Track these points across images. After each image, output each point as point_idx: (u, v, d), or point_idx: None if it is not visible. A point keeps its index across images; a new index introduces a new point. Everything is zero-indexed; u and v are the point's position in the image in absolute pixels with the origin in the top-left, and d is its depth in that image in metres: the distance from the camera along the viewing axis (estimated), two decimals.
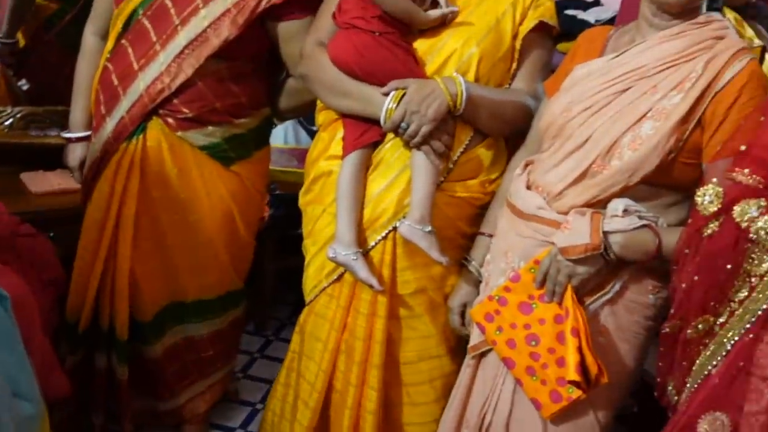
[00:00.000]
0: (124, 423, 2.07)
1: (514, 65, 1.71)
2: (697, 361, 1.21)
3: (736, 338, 1.16)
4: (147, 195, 1.91)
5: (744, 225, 1.13)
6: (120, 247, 1.92)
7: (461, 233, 1.75)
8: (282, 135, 3.42)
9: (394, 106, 1.59)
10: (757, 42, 2.19)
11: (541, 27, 1.70)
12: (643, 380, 1.65)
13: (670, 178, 1.38)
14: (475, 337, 1.60)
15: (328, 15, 1.71)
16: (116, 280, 1.93)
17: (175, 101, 1.86)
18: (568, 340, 1.36)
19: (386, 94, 1.60)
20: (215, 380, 2.18)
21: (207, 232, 1.98)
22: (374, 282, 1.66)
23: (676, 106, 1.35)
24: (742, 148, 1.19)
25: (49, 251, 1.87)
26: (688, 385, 1.24)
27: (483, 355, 1.59)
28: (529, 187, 1.52)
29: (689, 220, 1.26)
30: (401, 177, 1.67)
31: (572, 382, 1.37)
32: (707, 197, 1.20)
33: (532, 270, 1.45)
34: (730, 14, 2.21)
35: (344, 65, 1.65)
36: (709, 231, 1.19)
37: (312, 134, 1.87)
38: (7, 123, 2.45)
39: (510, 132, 1.74)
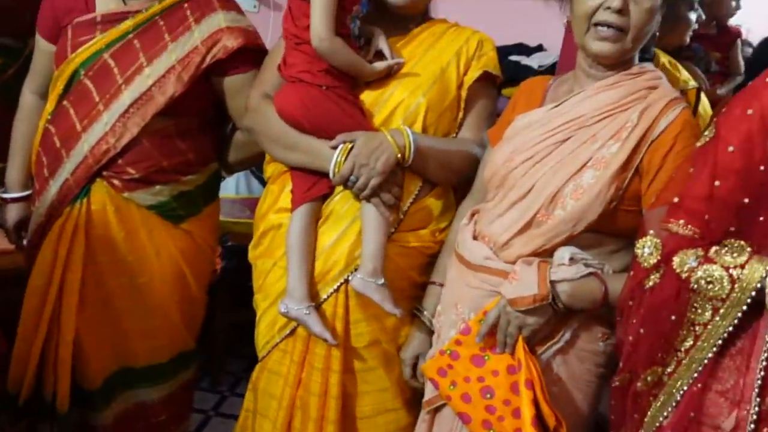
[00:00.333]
0: None
1: (461, 114, 1.73)
2: (649, 413, 1.21)
3: (685, 388, 1.16)
4: (92, 260, 1.85)
5: (684, 275, 1.14)
6: (64, 315, 1.85)
7: (413, 283, 1.74)
8: (234, 185, 3.40)
9: (343, 159, 1.59)
10: (692, 84, 2.27)
11: (485, 77, 1.73)
12: (597, 424, 1.64)
13: (613, 226, 1.40)
14: (429, 392, 1.59)
15: (273, 68, 1.72)
16: (59, 350, 1.85)
17: (121, 162, 1.82)
18: (523, 392, 1.35)
19: (334, 147, 1.60)
20: None
21: (157, 294, 1.92)
22: (328, 336, 1.63)
23: (614, 155, 1.37)
24: (675, 200, 1.21)
25: None
26: None
27: (438, 409, 1.57)
28: (475, 237, 1.52)
29: (631, 273, 1.27)
30: (352, 228, 1.66)
31: None
32: (647, 249, 1.21)
33: (482, 321, 1.45)
34: (665, 57, 2.29)
35: (291, 119, 1.65)
36: (651, 283, 1.20)
37: (264, 183, 1.85)
38: None
39: (458, 181, 1.75)
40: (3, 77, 2.45)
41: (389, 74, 1.68)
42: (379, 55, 1.69)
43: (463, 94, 1.71)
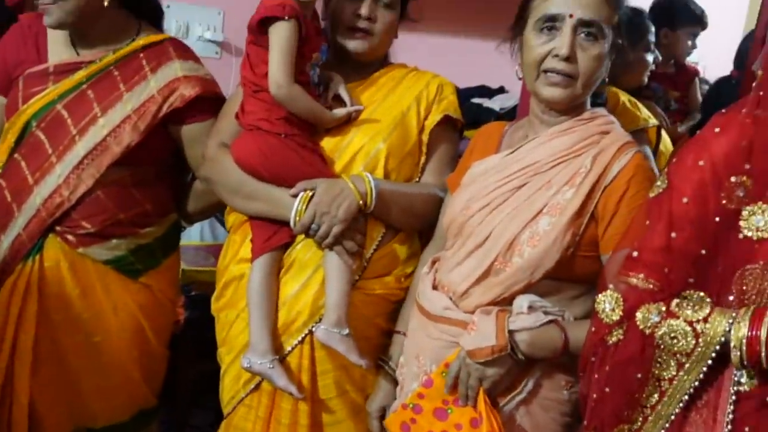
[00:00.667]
0: None
1: (422, 159, 1.73)
2: None
3: None
4: (46, 318, 1.78)
5: (648, 331, 1.13)
6: (17, 376, 1.78)
7: (380, 331, 1.71)
8: (198, 231, 3.33)
9: (304, 207, 1.57)
10: (653, 122, 2.29)
11: (445, 121, 1.73)
12: None
13: (572, 272, 1.39)
14: None
15: (231, 116, 1.70)
16: (13, 412, 1.78)
17: (75, 215, 1.77)
18: None
19: (295, 196, 1.58)
20: None
21: (115, 352, 1.86)
22: (293, 390, 1.59)
23: (569, 201, 1.37)
24: (635, 254, 1.20)
25: None
26: None
27: None
28: (435, 287, 1.51)
29: (592, 328, 1.24)
30: (315, 277, 1.63)
31: None
32: (607, 304, 1.19)
33: (444, 374, 1.42)
34: (624, 96, 2.32)
35: (250, 167, 1.63)
36: (614, 339, 1.18)
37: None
38: None
39: (422, 226, 1.73)
40: None
41: (349, 120, 1.68)
42: (339, 101, 1.69)
43: (425, 138, 1.71)
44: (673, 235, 1.15)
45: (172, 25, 3.02)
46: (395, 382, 1.62)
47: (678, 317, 1.10)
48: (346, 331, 1.57)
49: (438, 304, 1.47)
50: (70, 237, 1.78)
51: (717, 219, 1.12)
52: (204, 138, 1.77)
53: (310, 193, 1.57)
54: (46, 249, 1.78)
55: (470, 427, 1.38)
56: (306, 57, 1.60)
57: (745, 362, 1.06)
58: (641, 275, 1.16)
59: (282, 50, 1.54)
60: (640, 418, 1.15)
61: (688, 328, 1.09)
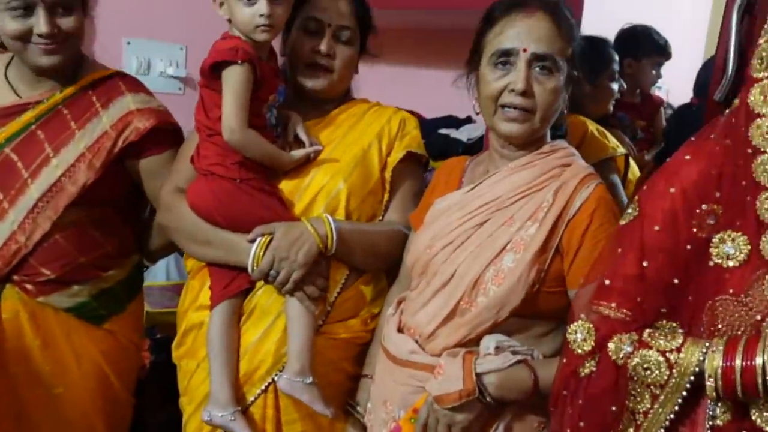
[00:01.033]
0: None
1: (386, 196, 1.68)
2: None
3: None
4: (5, 372, 1.70)
5: (621, 362, 1.10)
6: None
7: (347, 375, 1.65)
8: (163, 270, 3.23)
9: (261, 253, 1.52)
10: (621, 150, 2.29)
11: (409, 157, 1.69)
12: None
13: (538, 309, 1.35)
14: None
15: (186, 159, 1.65)
16: None
17: (33, 262, 1.71)
18: None
19: (252, 241, 1.53)
20: None
21: (78, 403, 1.78)
22: None
23: (532, 237, 1.34)
24: (606, 282, 1.17)
25: None
26: None
27: None
28: (401, 330, 1.46)
29: (563, 360, 1.20)
30: (277, 324, 1.57)
31: None
32: (579, 334, 1.16)
33: (412, 420, 1.37)
34: (592, 126, 2.31)
35: (205, 213, 1.58)
36: (587, 371, 1.15)
37: None
38: None
39: (387, 265, 1.69)
40: None
41: (308, 160, 1.63)
42: (299, 141, 1.65)
43: (387, 176, 1.67)
44: (645, 263, 1.13)
45: (132, 62, 2.98)
46: (364, 429, 1.56)
47: (651, 347, 1.08)
48: (310, 379, 1.51)
49: (404, 348, 1.42)
50: (28, 286, 1.72)
51: (688, 247, 1.11)
52: (163, 170, 1.73)
53: (269, 238, 1.52)
54: (3, 300, 1.71)
55: None
56: (262, 100, 1.56)
57: (721, 393, 1.03)
58: (613, 304, 1.14)
59: (235, 95, 1.49)
60: None
61: (662, 359, 1.06)
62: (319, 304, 1.56)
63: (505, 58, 1.38)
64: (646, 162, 2.65)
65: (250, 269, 1.53)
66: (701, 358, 1.04)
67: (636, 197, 1.20)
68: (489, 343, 1.32)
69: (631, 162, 2.41)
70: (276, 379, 1.54)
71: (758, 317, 1.03)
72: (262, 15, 1.50)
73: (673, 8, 3.67)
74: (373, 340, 1.63)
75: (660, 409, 1.08)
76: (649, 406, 1.08)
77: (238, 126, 1.50)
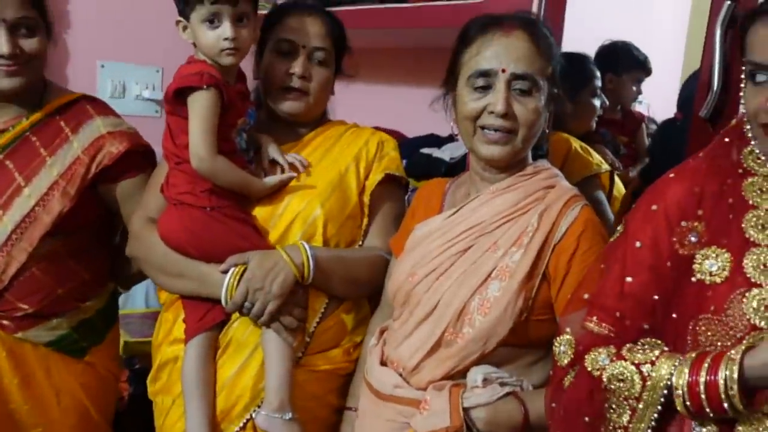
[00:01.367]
0: None
1: (365, 221, 1.63)
2: None
3: None
4: None
5: (596, 374, 1.09)
6: None
7: (333, 409, 1.59)
8: (142, 297, 3.15)
9: (235, 283, 1.46)
10: (605, 167, 2.25)
11: (388, 179, 1.64)
12: None
13: (527, 338, 1.30)
14: None
15: (156, 188, 1.59)
16: None
17: (10, 297, 1.64)
18: None
19: (225, 272, 1.47)
20: None
21: None
22: None
23: (518, 263, 1.29)
24: (585, 296, 1.18)
25: None
26: None
27: None
28: (384, 362, 1.39)
29: (551, 372, 1.21)
30: (255, 357, 1.51)
31: None
32: (562, 347, 1.18)
33: None
34: (576, 143, 2.28)
35: (176, 244, 1.52)
36: (567, 383, 1.15)
37: None
38: None
39: (368, 292, 1.63)
40: None
41: (283, 185, 1.57)
42: (275, 165, 1.59)
43: (366, 200, 1.62)
44: (628, 279, 1.14)
45: (107, 85, 2.93)
46: None
47: (626, 360, 1.08)
48: (290, 415, 1.45)
49: (387, 382, 1.35)
50: (6, 322, 1.66)
51: (669, 264, 1.12)
52: (138, 193, 1.68)
53: (242, 268, 1.46)
54: None
55: None
56: (230, 124, 1.50)
57: (690, 409, 1.01)
58: (594, 318, 1.15)
59: (202, 121, 1.44)
60: None
61: (635, 371, 1.06)
62: (297, 335, 1.49)
63: (484, 79, 1.33)
64: (631, 178, 2.62)
65: (223, 301, 1.47)
66: (672, 371, 1.03)
67: (625, 216, 1.21)
68: (476, 375, 1.26)
69: (616, 178, 2.37)
70: (254, 415, 1.47)
71: (739, 336, 1.03)
72: (226, 38, 1.45)
73: (653, 24, 3.68)
74: (357, 371, 1.57)
75: (638, 424, 1.06)
76: (627, 419, 1.07)
77: (207, 153, 1.45)
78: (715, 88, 1.32)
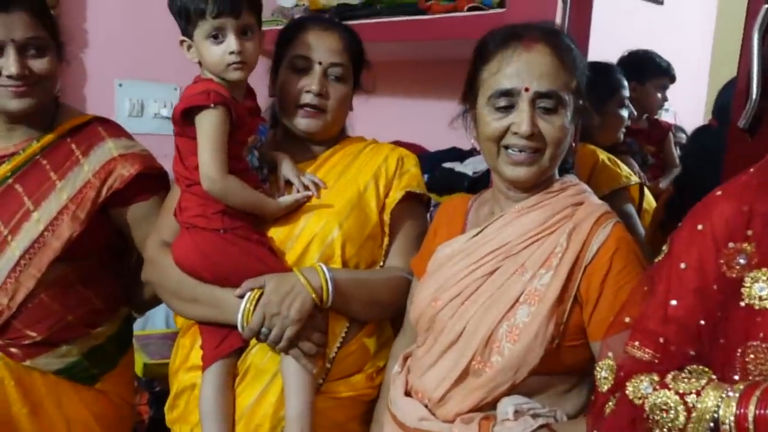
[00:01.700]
0: None
1: (386, 240, 1.57)
2: None
3: None
4: None
5: (638, 402, 1.02)
6: None
7: None
8: (162, 317, 3.11)
9: (252, 308, 1.40)
10: (635, 179, 2.19)
11: (409, 197, 1.58)
12: None
13: (560, 365, 1.23)
14: None
15: (170, 212, 1.55)
16: None
17: (18, 325, 1.60)
18: None
19: (241, 297, 1.42)
20: None
21: None
22: None
23: (547, 287, 1.22)
24: (627, 320, 1.12)
25: None
26: None
27: None
28: (408, 392, 1.33)
29: (593, 398, 1.14)
30: (274, 384, 1.46)
31: None
32: (603, 372, 1.10)
33: None
34: (603, 155, 2.21)
35: (190, 269, 1.47)
36: (608, 409, 1.08)
37: None
38: None
39: (391, 315, 1.57)
40: None
41: (299, 205, 1.52)
42: (290, 184, 1.54)
43: (386, 218, 1.56)
44: (672, 303, 1.07)
45: (125, 104, 2.91)
46: None
47: (670, 389, 1.01)
48: None
49: (413, 414, 1.28)
50: (14, 350, 1.61)
51: (715, 287, 1.04)
52: (150, 217, 1.64)
53: (259, 292, 1.41)
54: None
55: None
56: (241, 142, 1.46)
57: None
58: (636, 343, 1.09)
59: (211, 141, 1.39)
60: None
61: (679, 401, 0.99)
62: (317, 361, 1.44)
63: (506, 98, 1.26)
64: (661, 190, 2.54)
65: (240, 327, 1.42)
66: (718, 404, 0.96)
67: (670, 235, 1.14)
68: (507, 407, 1.19)
69: (646, 191, 2.30)
70: None
71: None
72: (232, 52, 1.41)
73: (678, 30, 3.61)
74: (380, 397, 1.50)
75: None
76: None
77: (217, 173, 1.40)
78: (754, 96, 1.25)
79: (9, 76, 1.52)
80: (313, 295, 1.40)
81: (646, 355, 1.07)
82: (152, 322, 2.92)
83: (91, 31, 2.74)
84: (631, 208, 2.16)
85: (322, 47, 1.56)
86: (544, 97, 1.25)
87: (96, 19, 2.74)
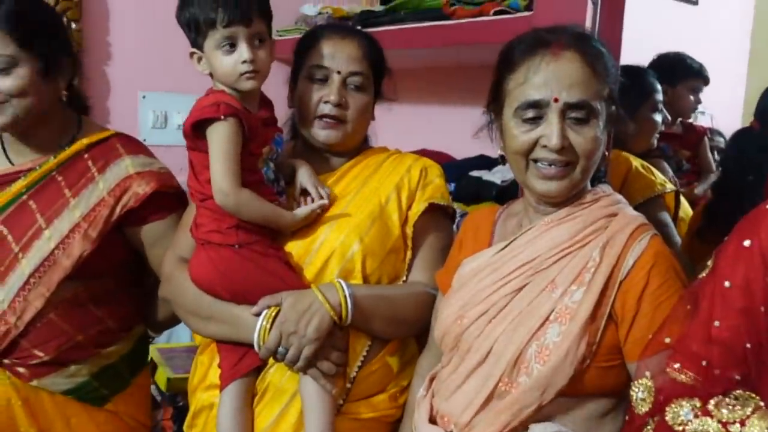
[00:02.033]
0: None
1: (409, 254, 1.51)
2: None
3: None
4: None
5: (678, 429, 0.98)
6: None
7: None
8: (187, 329, 3.08)
9: (268, 326, 1.35)
10: (670, 187, 2.11)
11: (432, 209, 1.52)
12: None
13: (591, 387, 1.15)
14: None
15: (187, 227, 1.50)
16: None
17: (25, 344, 1.57)
18: None
19: (258, 314, 1.37)
20: None
21: None
22: None
23: (579, 304, 1.14)
24: (667, 340, 1.06)
25: None
26: None
27: None
28: (433, 417, 1.26)
29: (627, 417, 1.08)
30: (294, 404, 1.41)
31: None
32: (640, 393, 1.06)
33: None
34: (636, 161, 2.14)
35: (207, 287, 1.43)
36: None
37: None
38: None
39: (415, 332, 1.51)
40: None
41: (317, 217, 1.47)
42: (307, 195, 1.49)
43: (409, 231, 1.50)
44: (716, 323, 1.02)
45: (148, 116, 2.90)
46: None
47: (712, 416, 0.96)
48: None
49: None
50: (21, 369, 1.58)
51: (763, 308, 0.98)
52: (167, 237, 1.60)
53: (275, 310, 1.36)
54: None
55: None
56: (255, 154, 1.41)
57: None
58: (677, 365, 1.03)
59: (223, 154, 1.35)
60: None
61: (722, 431, 0.93)
62: (337, 381, 1.38)
63: (534, 110, 1.19)
64: (698, 196, 2.45)
65: (256, 346, 1.37)
66: None
67: (715, 251, 1.07)
68: None
69: (682, 198, 2.21)
70: None
71: None
72: (244, 61, 1.37)
73: (713, 32, 3.51)
74: (405, 416, 1.44)
75: None
76: None
77: (230, 187, 1.35)
78: None
79: None
80: (332, 313, 1.35)
81: (688, 379, 1.01)
82: (177, 336, 2.90)
83: (114, 43, 2.73)
84: (667, 217, 2.07)
85: (340, 56, 1.51)
86: (574, 108, 1.18)
87: (119, 31, 2.73)
